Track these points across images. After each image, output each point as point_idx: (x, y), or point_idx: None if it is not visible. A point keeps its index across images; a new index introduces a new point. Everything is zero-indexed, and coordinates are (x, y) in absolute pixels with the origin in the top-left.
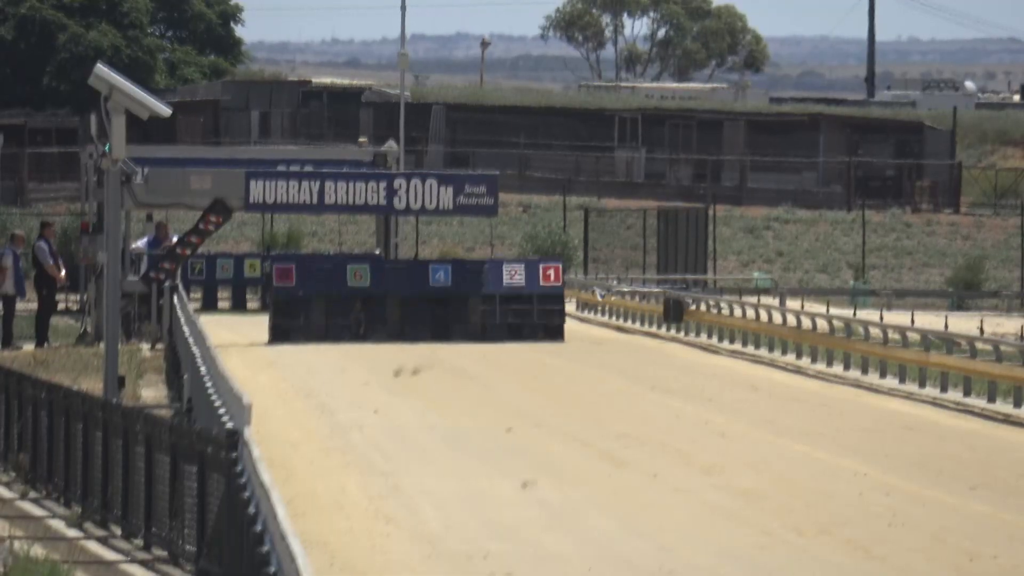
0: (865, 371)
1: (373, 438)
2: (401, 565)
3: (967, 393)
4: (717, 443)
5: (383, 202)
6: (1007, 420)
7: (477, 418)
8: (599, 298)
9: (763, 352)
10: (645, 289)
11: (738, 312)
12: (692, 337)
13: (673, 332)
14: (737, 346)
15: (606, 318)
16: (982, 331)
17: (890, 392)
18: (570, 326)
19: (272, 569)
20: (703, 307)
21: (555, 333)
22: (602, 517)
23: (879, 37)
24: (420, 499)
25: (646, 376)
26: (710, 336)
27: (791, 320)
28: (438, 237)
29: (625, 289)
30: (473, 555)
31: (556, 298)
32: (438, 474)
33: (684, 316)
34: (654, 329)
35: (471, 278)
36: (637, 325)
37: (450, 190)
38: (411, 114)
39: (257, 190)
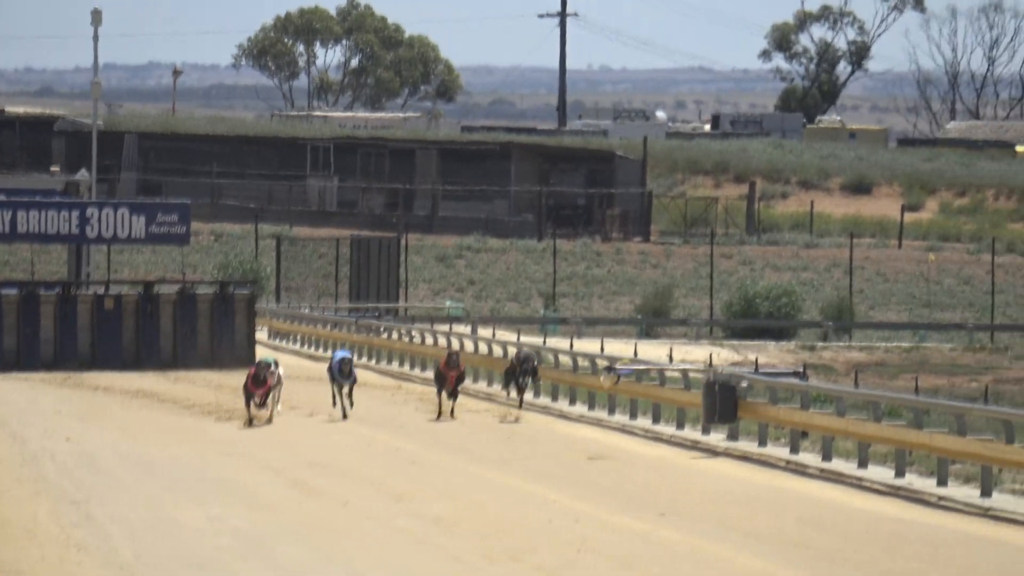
0: (555, 398)
1: (65, 466)
2: None
3: (656, 420)
4: (408, 471)
5: (76, 231)
6: (695, 447)
7: (169, 446)
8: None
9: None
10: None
11: (429, 340)
12: (383, 365)
13: (365, 360)
14: (429, 374)
15: (297, 346)
16: (671, 358)
17: (580, 419)
18: (263, 354)
19: None
20: (395, 335)
21: (248, 358)
22: (294, 545)
23: (570, 66)
24: (112, 527)
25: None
26: (401, 364)
27: (483, 348)
28: (130, 266)
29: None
30: None
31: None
32: (130, 502)
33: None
34: (389, 369)
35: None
36: (329, 353)
37: (142, 219)
38: (104, 143)
39: None
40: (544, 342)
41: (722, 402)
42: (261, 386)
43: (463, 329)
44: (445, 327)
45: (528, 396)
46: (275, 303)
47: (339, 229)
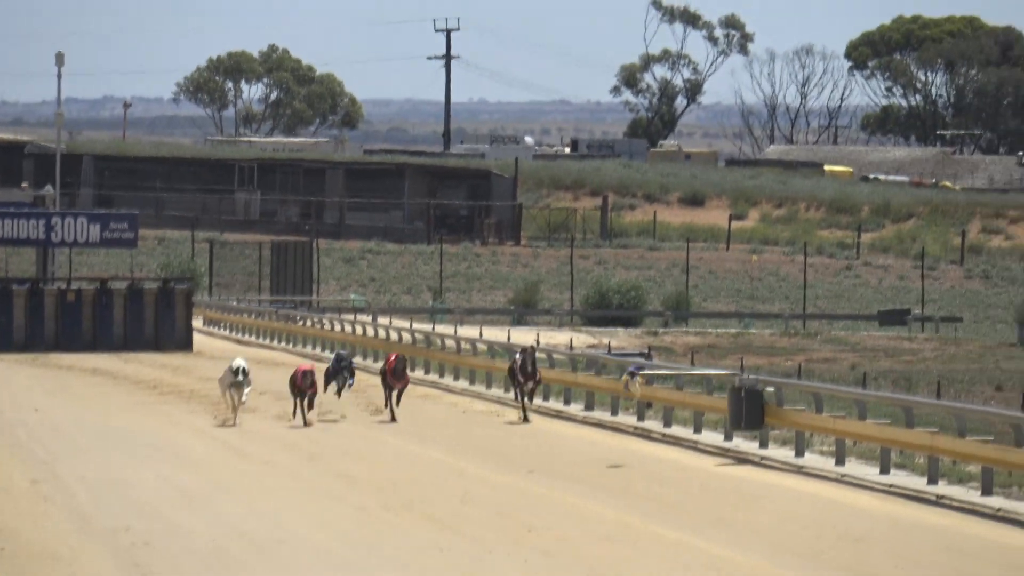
0: (442, 374)
1: (35, 433)
2: (58, 537)
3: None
4: (319, 435)
5: (42, 236)
6: (559, 416)
7: (122, 416)
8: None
9: (358, 360)
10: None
11: (338, 327)
12: (299, 348)
13: (284, 344)
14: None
15: (227, 332)
16: (538, 342)
17: (463, 392)
18: (198, 339)
19: None
20: (309, 323)
21: (186, 343)
22: (227, 497)
23: (454, 99)
24: (74, 484)
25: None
26: (315, 347)
27: (381, 333)
28: (87, 266)
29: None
30: (117, 529)
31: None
32: (89, 463)
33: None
34: (267, 342)
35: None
36: (253, 338)
37: (98, 226)
38: (66, 164)
39: None
40: (433, 328)
41: (748, 408)
42: (311, 388)
43: (365, 318)
44: (350, 316)
45: (420, 373)
46: (208, 296)
47: (261, 235)
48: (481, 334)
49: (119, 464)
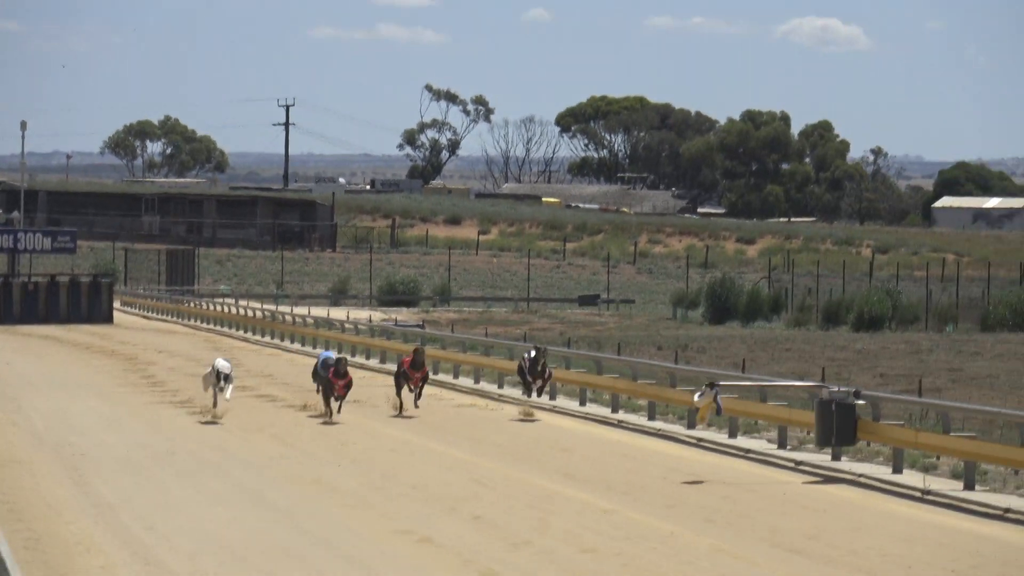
0: (282, 339)
1: (4, 378)
2: (20, 449)
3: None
4: (196, 384)
5: (11, 246)
6: (362, 367)
7: (65, 366)
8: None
9: (227, 329)
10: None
11: (212, 307)
12: (185, 321)
13: (175, 319)
14: (211, 326)
15: (137, 311)
16: (348, 316)
17: (298, 352)
18: (118, 315)
19: None
20: (192, 304)
21: (109, 318)
22: (135, 422)
23: (292, 152)
24: (32, 413)
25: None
26: (197, 321)
27: (242, 312)
28: (42, 266)
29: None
30: (61, 443)
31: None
32: (42, 398)
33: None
34: (164, 317)
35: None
36: (155, 315)
37: (49, 239)
38: (28, 197)
39: None
40: (276, 307)
41: (840, 424)
42: (342, 379)
43: (230, 300)
44: (220, 299)
45: (268, 338)
46: (124, 287)
47: (160, 245)
48: (309, 311)
49: (62, 399)
